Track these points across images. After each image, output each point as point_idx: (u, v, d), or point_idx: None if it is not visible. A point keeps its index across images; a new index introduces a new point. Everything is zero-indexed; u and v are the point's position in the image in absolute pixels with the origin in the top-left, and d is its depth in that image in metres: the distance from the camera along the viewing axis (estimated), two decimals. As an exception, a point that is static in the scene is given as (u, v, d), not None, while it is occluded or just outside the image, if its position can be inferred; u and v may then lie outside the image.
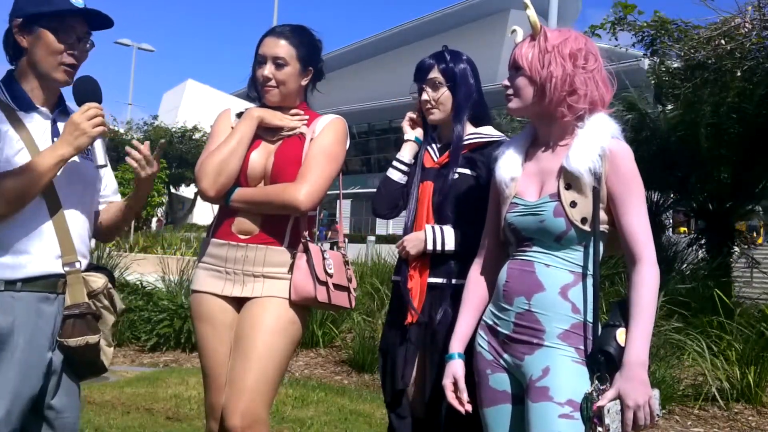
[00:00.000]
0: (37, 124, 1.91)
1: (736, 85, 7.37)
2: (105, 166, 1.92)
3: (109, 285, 2.00)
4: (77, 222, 1.95)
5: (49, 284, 1.87)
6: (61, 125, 1.95)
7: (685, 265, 8.59)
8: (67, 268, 1.89)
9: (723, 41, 6.53)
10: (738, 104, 7.87)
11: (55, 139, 1.91)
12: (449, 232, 2.19)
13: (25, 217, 1.83)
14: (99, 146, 1.89)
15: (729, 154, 8.54)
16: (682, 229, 15.58)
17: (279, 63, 2.25)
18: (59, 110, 1.98)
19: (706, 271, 7.78)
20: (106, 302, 1.99)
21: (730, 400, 4.84)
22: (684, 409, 4.77)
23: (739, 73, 6.73)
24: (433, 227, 2.21)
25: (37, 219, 1.85)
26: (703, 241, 9.43)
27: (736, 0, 6.66)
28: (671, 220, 13.88)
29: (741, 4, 6.63)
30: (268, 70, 2.25)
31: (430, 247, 2.19)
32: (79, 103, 1.89)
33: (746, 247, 9.92)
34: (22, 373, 1.80)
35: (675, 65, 7.90)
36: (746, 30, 6.36)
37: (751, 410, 4.80)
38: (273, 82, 2.26)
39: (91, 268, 2.00)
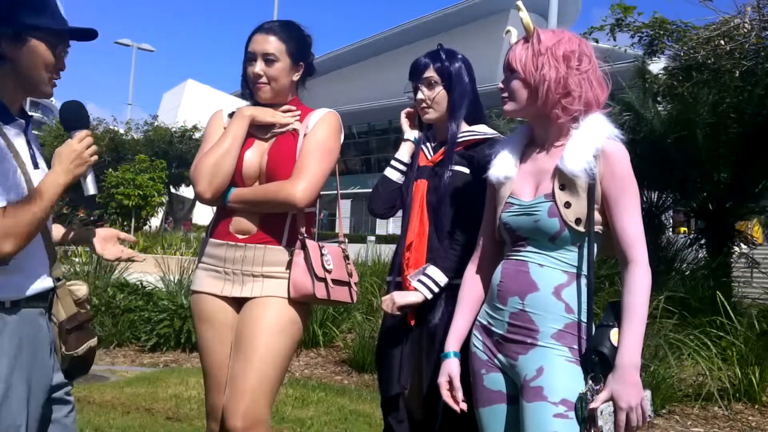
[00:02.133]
0: (17, 137, 1.85)
1: (735, 85, 7.37)
2: (96, 195, 1.92)
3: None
4: (53, 236, 1.96)
5: (45, 298, 1.87)
6: (24, 137, 1.89)
7: (685, 265, 8.59)
8: (57, 282, 1.90)
9: (722, 42, 6.53)
10: (737, 104, 7.87)
11: (31, 151, 1.86)
12: (434, 271, 2.17)
13: None
14: (90, 176, 1.89)
15: (728, 154, 8.54)
16: (682, 229, 15.59)
17: (269, 59, 2.24)
18: (26, 120, 1.91)
19: (706, 271, 7.78)
20: (88, 307, 2.03)
21: (731, 400, 4.84)
22: (684, 409, 4.77)
23: (737, 74, 6.73)
24: (418, 279, 2.17)
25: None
26: (703, 241, 9.43)
27: (735, 0, 6.67)
28: (671, 220, 13.88)
29: (740, 5, 6.63)
30: (258, 67, 2.25)
31: (430, 296, 2.17)
32: (68, 129, 1.87)
33: (748, 247, 9.89)
34: (32, 391, 1.80)
35: (672, 65, 7.89)
36: (746, 30, 6.36)
37: (752, 410, 4.81)
38: (264, 79, 2.26)
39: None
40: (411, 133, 2.41)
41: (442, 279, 2.16)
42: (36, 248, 1.84)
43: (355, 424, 4.22)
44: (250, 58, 2.27)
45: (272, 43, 2.25)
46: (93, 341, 1.97)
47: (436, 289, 2.16)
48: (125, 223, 25.51)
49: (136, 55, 37.07)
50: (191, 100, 44.40)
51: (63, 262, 7.62)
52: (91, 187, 1.90)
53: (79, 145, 1.84)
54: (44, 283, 1.86)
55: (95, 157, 1.87)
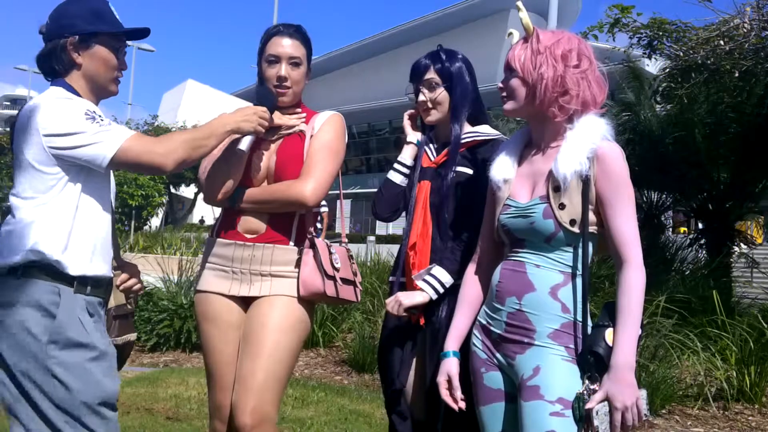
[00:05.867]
0: None
1: (735, 85, 7.37)
2: (243, 152, 2.20)
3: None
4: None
5: (107, 290, 1.97)
6: None
7: (685, 265, 8.59)
8: (113, 272, 2.01)
9: (722, 42, 6.53)
10: (736, 104, 7.88)
11: None
12: (439, 271, 2.15)
13: (104, 221, 1.92)
14: (249, 139, 2.20)
15: (727, 154, 8.55)
16: (682, 229, 15.58)
17: (294, 63, 2.27)
18: None
19: (706, 271, 7.79)
20: (133, 305, 2.15)
21: (730, 400, 4.84)
22: (684, 409, 4.78)
23: (737, 74, 6.73)
24: (423, 279, 2.15)
25: (108, 224, 1.95)
26: (703, 241, 9.44)
27: (734, 1, 6.67)
28: (671, 220, 13.88)
29: (739, 5, 6.63)
30: (284, 70, 2.26)
31: (435, 296, 2.15)
32: (259, 104, 2.19)
33: (748, 247, 9.89)
34: (107, 374, 1.86)
35: (670, 66, 7.90)
36: (745, 30, 6.36)
37: (751, 410, 4.81)
38: (288, 82, 2.27)
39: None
40: (413, 135, 2.40)
41: (448, 280, 2.14)
42: (108, 235, 1.95)
43: (355, 424, 4.23)
44: (271, 60, 2.27)
45: (297, 47, 2.28)
46: (132, 336, 2.09)
47: (441, 290, 2.14)
48: (125, 222, 25.51)
49: (136, 55, 37.12)
50: (191, 100, 44.41)
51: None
52: (244, 145, 2.19)
53: (258, 110, 2.14)
54: (108, 271, 1.96)
55: (261, 129, 2.14)
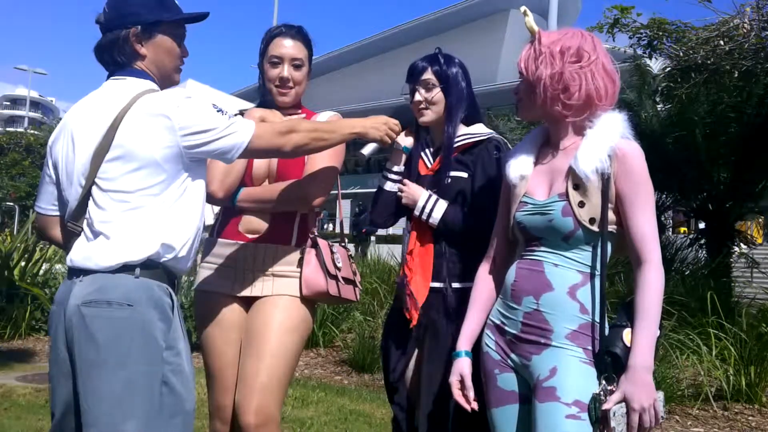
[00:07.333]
0: None
1: (735, 85, 7.37)
2: (364, 156, 2.27)
3: None
4: None
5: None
6: None
7: (684, 265, 8.58)
8: None
9: (722, 42, 6.53)
10: (736, 104, 7.88)
11: None
12: (441, 206, 2.19)
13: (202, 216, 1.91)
14: (373, 146, 2.24)
15: (727, 154, 8.55)
16: (682, 229, 15.58)
17: (297, 64, 2.29)
18: None
19: (706, 271, 7.78)
20: None
21: (730, 400, 4.84)
22: (684, 409, 4.78)
23: (737, 74, 6.73)
24: (429, 196, 2.21)
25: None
26: (703, 241, 9.43)
27: (734, 1, 6.67)
28: (671, 220, 13.88)
29: (739, 5, 6.64)
30: (287, 71, 2.27)
31: (417, 212, 2.21)
32: (394, 117, 2.24)
33: (748, 247, 9.88)
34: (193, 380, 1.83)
35: (670, 67, 7.89)
36: (745, 30, 6.36)
37: (751, 410, 4.81)
38: (291, 83, 2.28)
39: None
40: (404, 140, 2.40)
41: (436, 217, 2.18)
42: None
43: (355, 424, 4.23)
44: (273, 62, 2.28)
45: (300, 49, 2.29)
46: None
47: (424, 217, 2.20)
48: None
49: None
50: (191, 100, 44.19)
51: (63, 261, 7.62)
52: (366, 150, 2.25)
53: (390, 121, 2.17)
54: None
55: (387, 139, 2.17)
